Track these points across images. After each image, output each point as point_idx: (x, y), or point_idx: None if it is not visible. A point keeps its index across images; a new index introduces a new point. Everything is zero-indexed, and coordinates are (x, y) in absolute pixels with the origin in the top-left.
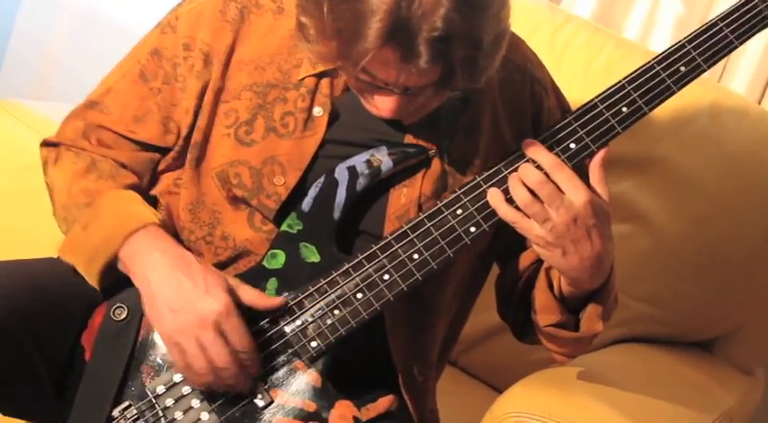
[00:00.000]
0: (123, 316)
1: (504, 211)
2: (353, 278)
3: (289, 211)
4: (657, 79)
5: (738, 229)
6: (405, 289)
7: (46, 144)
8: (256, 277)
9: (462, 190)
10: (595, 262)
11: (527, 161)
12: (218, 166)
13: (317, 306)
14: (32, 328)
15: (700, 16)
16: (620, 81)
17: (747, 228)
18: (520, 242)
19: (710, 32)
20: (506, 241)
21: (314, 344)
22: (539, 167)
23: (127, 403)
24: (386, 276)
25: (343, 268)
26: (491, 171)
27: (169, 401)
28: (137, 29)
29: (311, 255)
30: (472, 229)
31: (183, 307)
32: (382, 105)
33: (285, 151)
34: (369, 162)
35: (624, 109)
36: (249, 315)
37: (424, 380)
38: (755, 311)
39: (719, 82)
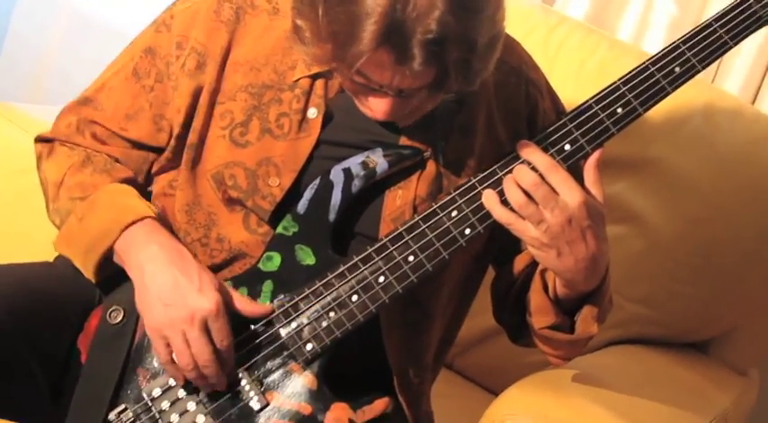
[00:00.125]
0: (119, 319)
1: (499, 213)
2: (349, 280)
3: (284, 213)
4: (652, 80)
5: (732, 230)
6: (400, 291)
7: (40, 140)
8: (252, 279)
9: (457, 191)
10: (590, 263)
11: (522, 162)
12: (213, 167)
13: (313, 308)
14: (29, 330)
15: (693, 17)
16: (614, 82)
17: (741, 229)
18: (515, 244)
19: (705, 33)
20: (502, 243)
21: (309, 346)
22: (534, 169)
23: (123, 406)
24: (381, 278)
25: (339, 270)
26: (486, 172)
27: (165, 404)
28: (131, 31)
29: (307, 257)
30: (467, 231)
31: (176, 301)
32: (376, 107)
33: (280, 152)
34: (364, 164)
35: (619, 110)
36: (244, 319)
37: (419, 382)
38: (749, 313)
39: (713, 83)
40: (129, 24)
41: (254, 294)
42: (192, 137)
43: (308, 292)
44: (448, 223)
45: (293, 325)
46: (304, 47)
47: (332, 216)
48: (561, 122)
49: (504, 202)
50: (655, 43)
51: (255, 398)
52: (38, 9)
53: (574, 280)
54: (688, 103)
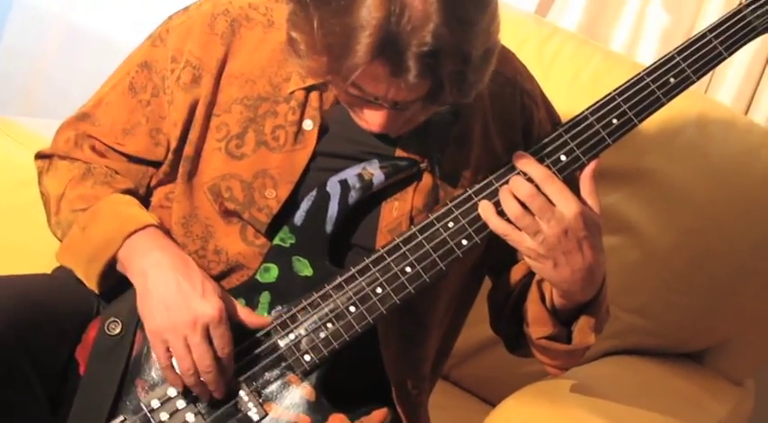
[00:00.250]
0: (117, 330)
1: (496, 224)
2: (346, 292)
3: (281, 225)
4: (647, 91)
5: (726, 242)
6: (397, 302)
7: (40, 156)
8: (249, 291)
9: (454, 203)
10: (587, 274)
11: (518, 173)
12: (209, 179)
13: (311, 320)
14: (29, 342)
15: (686, 27)
16: (610, 93)
17: (735, 241)
18: (512, 255)
19: (700, 44)
20: (498, 254)
21: (307, 357)
22: (530, 180)
23: (122, 417)
24: (378, 290)
25: (336, 282)
26: (482, 184)
27: (164, 416)
28: (124, 44)
29: (304, 268)
30: (464, 242)
31: (178, 305)
32: (371, 119)
33: (276, 164)
34: (360, 175)
35: (614, 120)
36: (242, 329)
37: (417, 393)
38: (743, 324)
39: (706, 93)
40: (122, 37)
41: (251, 306)
42: (189, 149)
43: (305, 303)
44: (445, 234)
45: (291, 336)
46: (299, 59)
47: (329, 227)
48: (557, 133)
49: (501, 213)
50: (647, 53)
51: (254, 409)
52: (31, 22)
53: (570, 290)
54: (681, 114)
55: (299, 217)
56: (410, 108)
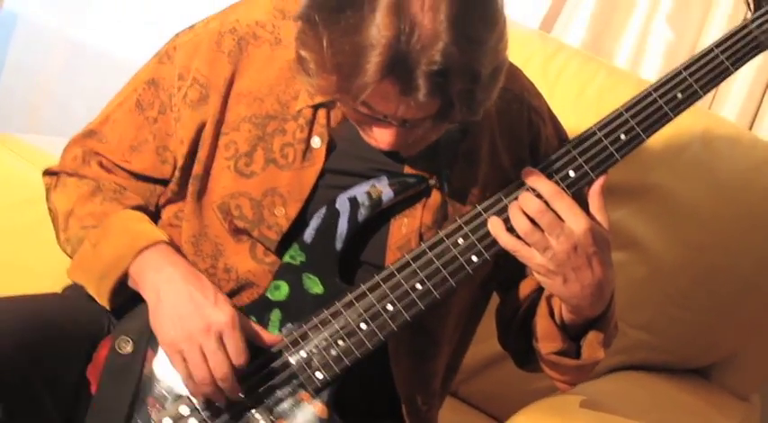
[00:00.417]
0: (128, 349)
1: (505, 240)
2: (357, 309)
3: (290, 243)
4: (655, 106)
5: (731, 257)
6: (408, 319)
7: (48, 173)
8: (260, 309)
9: (463, 219)
10: (596, 289)
11: (527, 190)
12: (219, 198)
13: (321, 337)
14: (39, 363)
15: (689, 43)
16: (617, 109)
17: (740, 256)
18: (520, 270)
19: (706, 59)
20: (507, 270)
21: (319, 375)
22: (538, 196)
23: None
24: (389, 306)
25: (347, 299)
26: (491, 200)
27: None
28: (127, 61)
29: (314, 286)
30: (474, 259)
31: (191, 314)
32: (381, 137)
33: (285, 182)
34: (369, 193)
35: (622, 136)
36: (254, 347)
37: (427, 409)
38: (748, 339)
39: (710, 109)
40: (125, 54)
41: (262, 323)
42: (198, 168)
43: (316, 320)
44: (454, 251)
45: (302, 354)
46: (308, 78)
47: (339, 245)
48: (565, 149)
49: (510, 230)
50: (652, 69)
51: None
52: (35, 39)
53: (580, 306)
54: (686, 130)
55: (308, 234)
56: (419, 126)
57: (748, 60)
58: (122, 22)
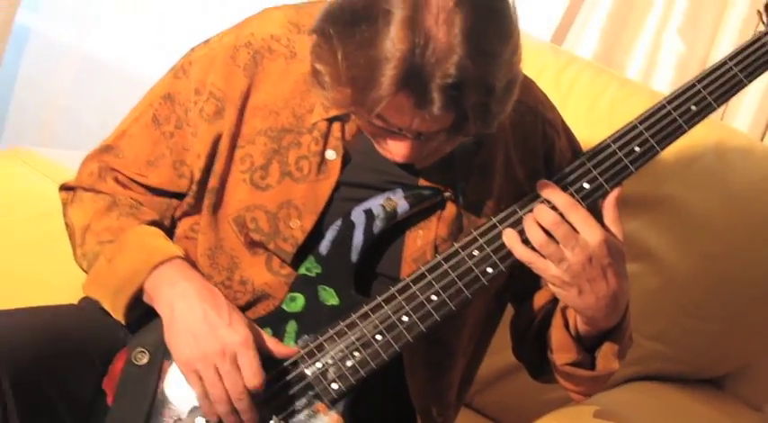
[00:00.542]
0: (145, 360)
1: (520, 252)
2: (372, 320)
3: (306, 255)
4: (669, 119)
5: (744, 268)
6: (424, 330)
7: (64, 188)
8: (276, 320)
9: (478, 231)
10: (611, 301)
11: (542, 201)
12: (234, 211)
13: (337, 348)
14: (56, 374)
15: (701, 55)
16: (631, 121)
17: (752, 267)
18: (535, 282)
19: (720, 71)
20: (522, 281)
21: (335, 386)
22: (553, 208)
23: None
24: (405, 318)
25: (362, 311)
26: (506, 212)
27: None
28: (140, 75)
29: (330, 297)
30: (489, 270)
31: (205, 334)
32: (395, 150)
33: (300, 195)
34: (384, 205)
35: (636, 148)
36: (270, 359)
37: (442, 420)
38: (760, 350)
39: (722, 120)
40: (138, 68)
41: (278, 335)
42: (213, 181)
43: (332, 332)
44: (470, 263)
45: (318, 365)
46: (323, 91)
47: (354, 257)
48: (579, 161)
49: (525, 241)
50: (663, 81)
51: None
52: (48, 53)
53: (595, 317)
54: (699, 141)
55: (324, 247)
56: (434, 139)
57: (762, 73)
58: (135, 37)
